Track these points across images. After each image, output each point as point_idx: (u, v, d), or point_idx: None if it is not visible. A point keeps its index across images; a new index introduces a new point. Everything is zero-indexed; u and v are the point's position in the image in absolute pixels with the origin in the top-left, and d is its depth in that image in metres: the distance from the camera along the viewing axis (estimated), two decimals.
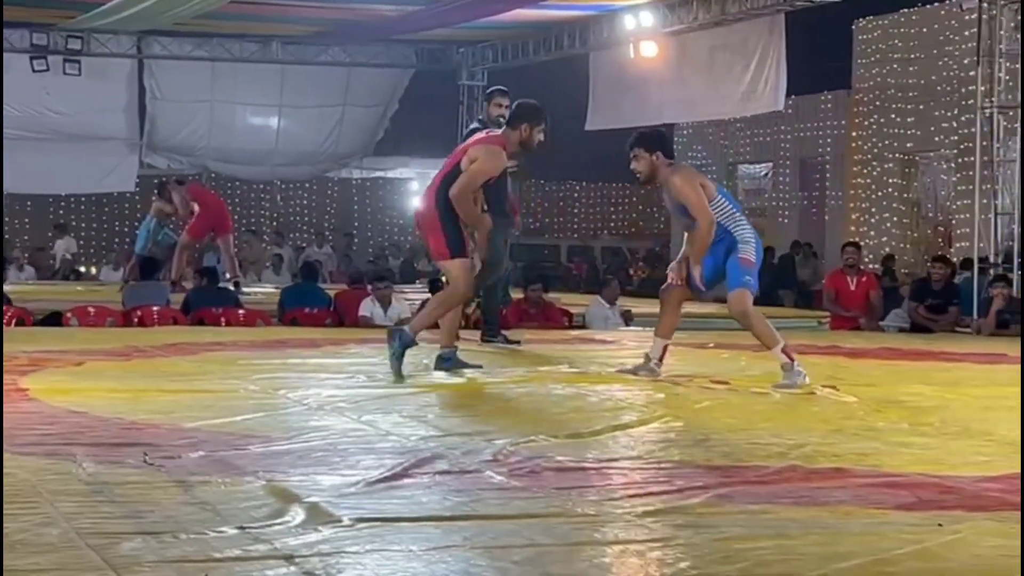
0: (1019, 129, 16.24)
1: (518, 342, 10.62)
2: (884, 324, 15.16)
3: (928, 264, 16.15)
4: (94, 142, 24.88)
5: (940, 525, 4.33)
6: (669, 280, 8.50)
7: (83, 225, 29.34)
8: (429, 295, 14.44)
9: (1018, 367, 10.25)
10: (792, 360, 8.20)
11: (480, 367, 8.68)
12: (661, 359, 8.56)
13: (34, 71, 23.17)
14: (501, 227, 9.91)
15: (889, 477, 5.23)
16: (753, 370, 9.19)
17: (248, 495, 4.61)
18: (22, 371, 8.20)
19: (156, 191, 18.81)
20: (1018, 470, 5.45)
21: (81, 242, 28.89)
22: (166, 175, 25.69)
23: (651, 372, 8.49)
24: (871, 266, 20.99)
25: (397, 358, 8.22)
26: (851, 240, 17.68)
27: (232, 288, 16.34)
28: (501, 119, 10.14)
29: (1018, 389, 8.53)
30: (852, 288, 14.90)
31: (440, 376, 8.45)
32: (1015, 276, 14.79)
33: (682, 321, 9.01)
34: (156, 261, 16.62)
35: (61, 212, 28.51)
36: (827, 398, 7.83)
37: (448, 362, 8.49)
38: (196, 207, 17.90)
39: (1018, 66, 15.78)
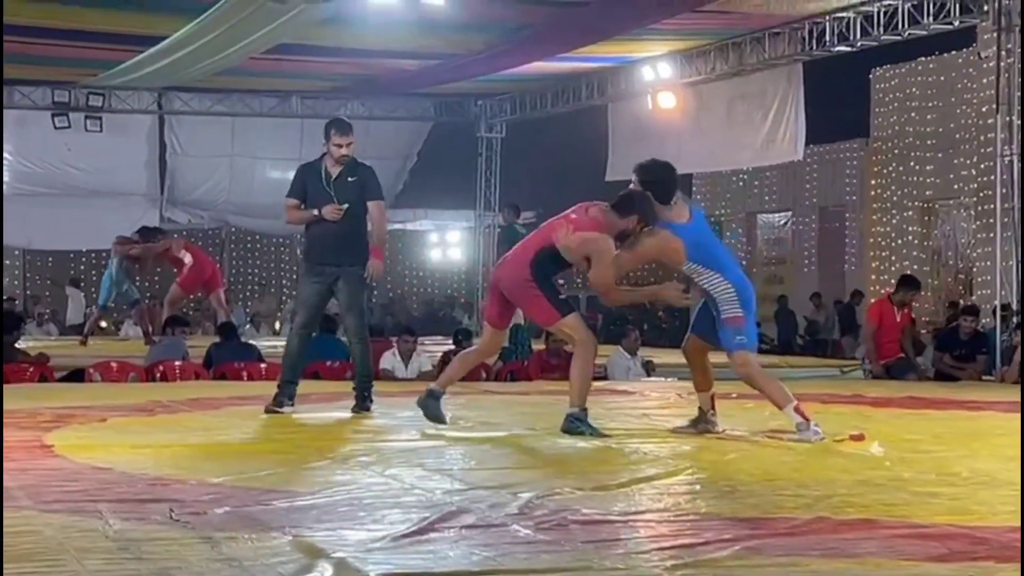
0: None
1: None
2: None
3: (960, 315, 15.92)
4: (115, 197, 25.03)
5: None
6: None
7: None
8: (453, 346, 14.48)
9: None
10: (807, 419, 8.07)
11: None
12: (713, 408, 8.48)
13: (56, 128, 23.30)
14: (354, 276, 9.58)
15: (918, 528, 5.19)
16: (780, 420, 9.14)
17: (275, 551, 4.60)
18: (47, 427, 8.22)
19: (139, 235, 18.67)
20: None
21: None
22: (187, 230, 25.86)
23: (709, 423, 8.40)
24: None
25: (589, 434, 8.13)
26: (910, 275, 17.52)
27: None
28: (344, 159, 9.50)
29: None
30: (897, 319, 14.97)
31: (465, 429, 8.45)
32: None
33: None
34: (181, 318, 16.68)
35: (82, 268, 28.54)
36: (852, 448, 7.79)
37: (434, 400, 8.44)
38: (189, 258, 18.06)
39: None
